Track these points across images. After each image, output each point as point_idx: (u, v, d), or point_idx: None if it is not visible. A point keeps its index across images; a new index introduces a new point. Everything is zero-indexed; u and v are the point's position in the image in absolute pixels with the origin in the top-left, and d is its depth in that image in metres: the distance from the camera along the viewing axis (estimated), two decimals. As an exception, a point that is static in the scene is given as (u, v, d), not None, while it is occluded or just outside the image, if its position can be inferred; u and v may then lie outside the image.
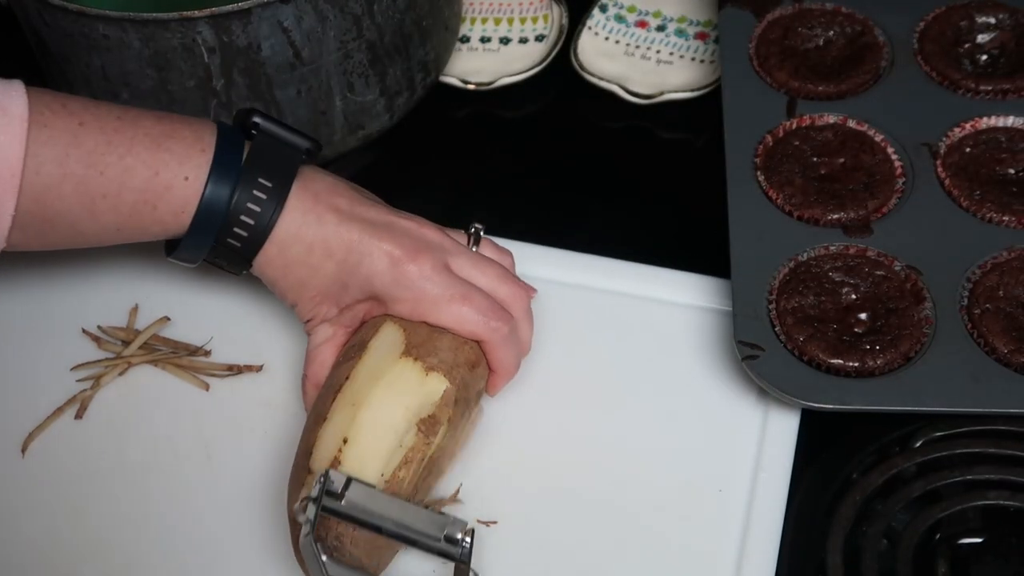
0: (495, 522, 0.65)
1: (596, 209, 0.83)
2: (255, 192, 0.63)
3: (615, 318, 0.74)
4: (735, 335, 0.69)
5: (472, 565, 0.56)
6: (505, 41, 0.93)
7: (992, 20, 0.84)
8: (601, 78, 0.89)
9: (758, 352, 0.68)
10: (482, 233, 0.70)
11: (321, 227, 0.64)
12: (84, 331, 0.74)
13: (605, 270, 0.76)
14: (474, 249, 0.69)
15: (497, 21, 0.94)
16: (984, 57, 0.83)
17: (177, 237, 0.64)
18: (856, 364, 0.67)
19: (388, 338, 0.65)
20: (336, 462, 0.60)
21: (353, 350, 0.65)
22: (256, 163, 0.64)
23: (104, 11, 0.72)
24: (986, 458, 0.66)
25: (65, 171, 0.60)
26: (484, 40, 0.93)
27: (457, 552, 0.56)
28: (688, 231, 0.81)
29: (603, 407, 0.70)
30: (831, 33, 0.85)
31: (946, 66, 0.81)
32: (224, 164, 0.63)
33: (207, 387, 0.72)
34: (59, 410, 0.71)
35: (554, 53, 0.91)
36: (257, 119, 0.65)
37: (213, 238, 0.64)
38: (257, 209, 0.63)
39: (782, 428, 0.68)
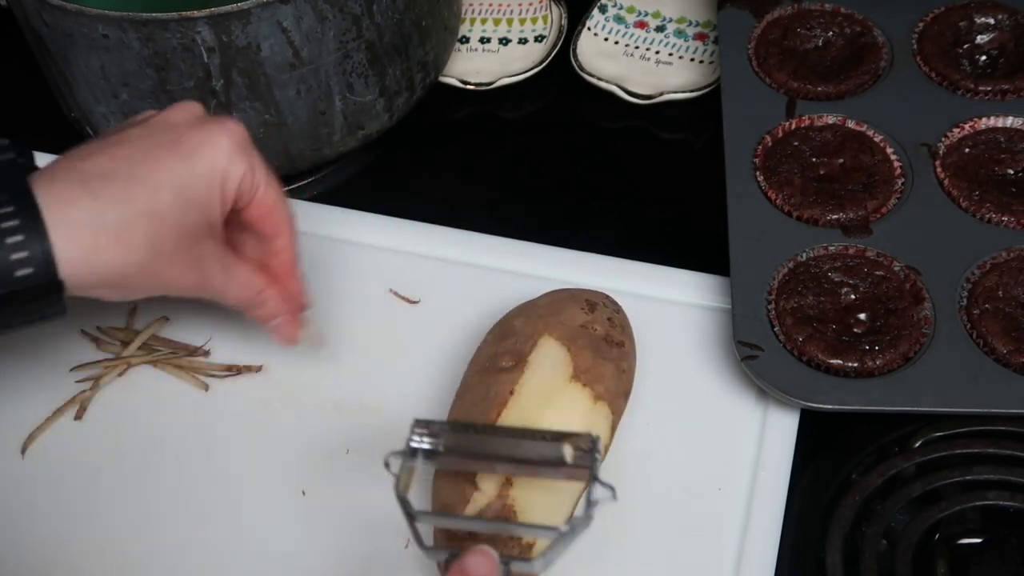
0: None
1: (595, 209, 0.83)
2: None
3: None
4: (734, 335, 0.69)
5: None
6: (504, 41, 0.93)
7: (991, 21, 0.84)
8: (600, 78, 0.89)
9: (757, 352, 0.68)
10: None
11: (112, 182, 0.55)
12: (83, 332, 0.74)
13: (604, 269, 0.76)
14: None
15: (496, 21, 0.94)
16: (983, 58, 0.83)
17: None
18: (855, 364, 0.67)
19: (551, 356, 0.63)
20: (507, 482, 0.58)
21: (505, 358, 0.64)
22: None
23: (104, 11, 0.72)
24: (985, 458, 0.66)
25: None
26: (483, 40, 0.93)
27: (586, 469, 0.54)
28: (688, 231, 0.81)
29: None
30: (830, 34, 0.85)
31: (945, 67, 0.81)
32: None
33: (206, 387, 0.72)
34: (59, 411, 0.71)
35: (554, 54, 0.91)
36: None
37: None
38: (15, 222, 0.52)
39: (781, 428, 0.68)
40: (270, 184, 0.62)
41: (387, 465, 0.57)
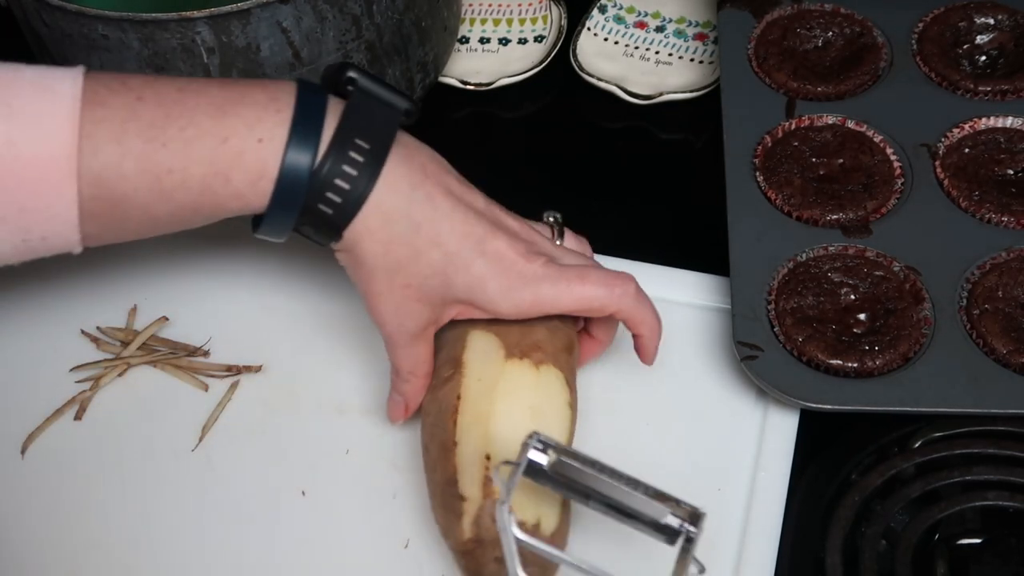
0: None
1: (595, 209, 0.83)
2: (350, 154, 0.57)
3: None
4: (734, 335, 0.69)
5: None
6: (504, 42, 0.93)
7: (991, 21, 0.84)
8: (600, 79, 0.89)
9: (757, 352, 0.68)
10: (561, 221, 0.68)
11: (433, 209, 0.60)
12: (83, 332, 0.74)
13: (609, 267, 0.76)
14: (558, 243, 0.67)
15: (496, 22, 0.94)
16: (983, 58, 0.83)
17: (261, 211, 0.58)
18: (855, 364, 0.67)
19: (481, 346, 0.63)
20: (487, 480, 0.58)
21: (445, 369, 0.64)
22: (349, 123, 0.58)
23: (103, 11, 0.72)
24: (985, 459, 0.66)
25: (124, 148, 0.55)
26: (483, 41, 0.93)
27: (680, 543, 0.53)
28: (688, 231, 0.81)
29: (602, 404, 0.70)
30: (830, 34, 0.85)
31: (945, 67, 0.81)
32: (306, 123, 0.57)
33: (206, 388, 0.72)
34: (58, 411, 0.71)
35: (553, 54, 0.91)
36: (352, 74, 0.59)
37: (300, 204, 0.57)
38: (353, 172, 0.57)
39: (781, 428, 0.68)
40: (623, 304, 0.63)
41: (503, 478, 0.55)
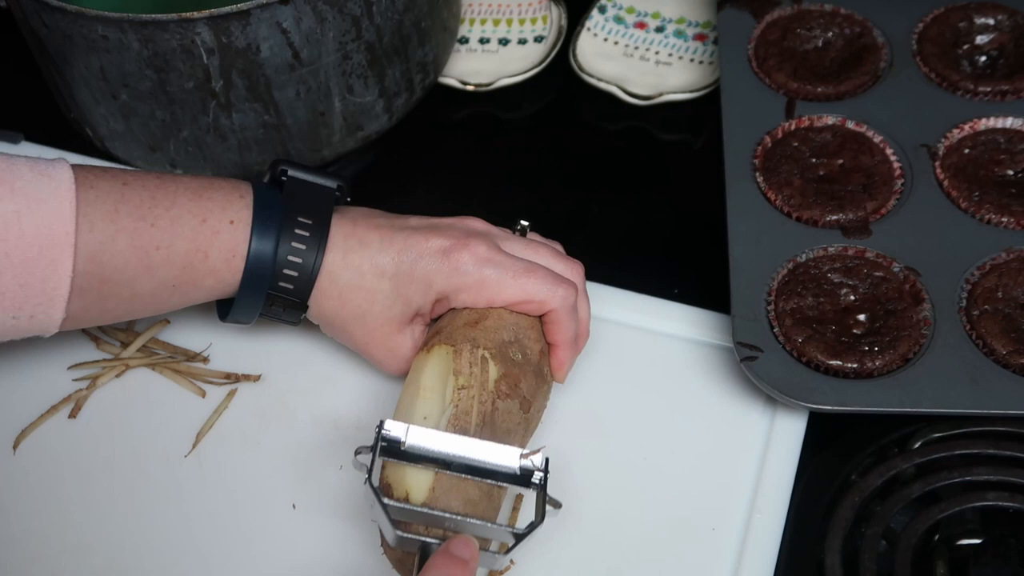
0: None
1: (595, 210, 0.83)
2: (297, 231, 0.65)
3: (620, 348, 0.73)
4: (734, 336, 0.69)
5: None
6: (504, 42, 0.93)
7: (991, 21, 0.84)
8: (600, 79, 0.89)
9: (757, 353, 0.68)
10: (528, 229, 0.71)
11: (366, 249, 0.65)
12: (84, 330, 0.74)
13: (606, 300, 0.75)
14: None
15: (496, 22, 0.94)
16: (983, 58, 0.83)
17: (230, 293, 0.65)
18: (855, 365, 0.67)
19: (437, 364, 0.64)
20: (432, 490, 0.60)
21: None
22: (293, 204, 0.65)
23: (103, 12, 0.72)
24: (985, 459, 0.66)
25: (117, 226, 0.62)
26: (483, 41, 0.93)
27: (535, 480, 0.59)
28: (686, 232, 0.81)
29: (604, 415, 0.70)
30: (830, 34, 0.85)
31: (945, 67, 0.81)
32: (264, 206, 0.65)
33: (204, 394, 0.72)
34: (53, 408, 0.71)
35: (553, 54, 0.91)
36: (284, 167, 0.67)
37: (267, 283, 0.64)
38: (302, 246, 0.64)
39: (788, 432, 0.68)
40: (562, 307, 0.65)
41: (356, 455, 0.60)
